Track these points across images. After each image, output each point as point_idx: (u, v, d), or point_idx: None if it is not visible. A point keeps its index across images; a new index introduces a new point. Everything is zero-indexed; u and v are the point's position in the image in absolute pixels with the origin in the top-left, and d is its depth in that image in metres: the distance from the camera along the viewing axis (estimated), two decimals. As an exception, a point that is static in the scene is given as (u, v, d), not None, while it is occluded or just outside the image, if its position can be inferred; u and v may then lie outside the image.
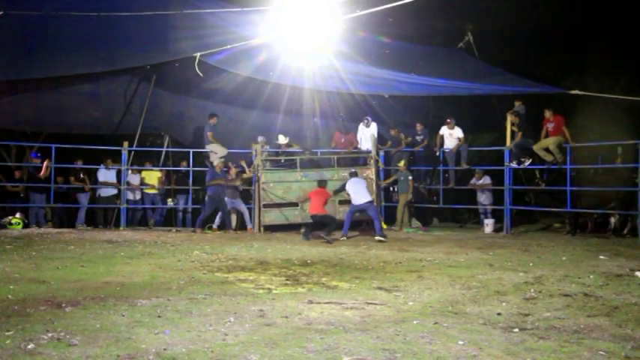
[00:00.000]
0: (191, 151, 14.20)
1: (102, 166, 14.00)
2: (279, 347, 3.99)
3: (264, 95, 13.74)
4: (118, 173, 13.94)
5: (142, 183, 14.13)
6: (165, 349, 3.89)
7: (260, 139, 13.81)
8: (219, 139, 14.07)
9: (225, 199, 13.29)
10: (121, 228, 13.34)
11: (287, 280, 6.85)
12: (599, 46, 15.76)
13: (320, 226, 11.72)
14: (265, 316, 4.89)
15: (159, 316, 4.86)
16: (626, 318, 4.96)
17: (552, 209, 13.26)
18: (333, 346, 4.02)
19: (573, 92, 12.40)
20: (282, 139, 14.33)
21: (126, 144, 13.82)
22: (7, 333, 4.26)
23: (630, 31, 15.45)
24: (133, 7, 11.46)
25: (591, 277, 6.98)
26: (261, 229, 13.06)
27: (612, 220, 12.11)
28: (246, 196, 13.77)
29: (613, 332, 4.51)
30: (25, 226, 13.02)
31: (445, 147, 14.10)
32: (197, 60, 11.68)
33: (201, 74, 11.84)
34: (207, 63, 11.99)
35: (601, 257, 8.67)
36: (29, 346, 3.93)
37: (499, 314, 5.09)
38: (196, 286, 6.30)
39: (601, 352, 3.98)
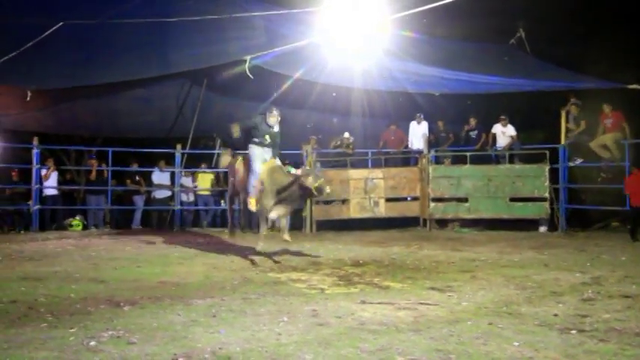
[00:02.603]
0: (241, 153, 14.32)
1: (156, 168, 14.28)
2: (333, 347, 4.01)
3: (312, 95, 13.79)
4: (172, 175, 14.20)
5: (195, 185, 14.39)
6: (220, 348, 3.96)
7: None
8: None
9: None
10: (175, 229, 13.59)
11: (339, 280, 6.88)
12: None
13: None
14: (318, 316, 4.92)
15: (214, 316, 4.94)
16: (690, 319, 4.82)
17: (610, 208, 12.92)
18: (387, 346, 4.02)
19: (632, 87, 12.05)
20: (347, 135, 14.48)
21: (179, 146, 14.09)
22: (71, 330, 4.40)
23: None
24: (183, 13, 11.66)
25: (653, 277, 6.81)
26: (313, 229, 13.12)
27: None
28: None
29: (678, 335, 4.39)
30: (85, 227, 13.43)
31: (497, 145, 13.94)
32: (247, 62, 11.81)
33: (251, 76, 11.97)
34: (257, 65, 12.10)
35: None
36: (91, 344, 4.05)
37: (555, 315, 5.00)
38: (250, 286, 6.38)
39: (664, 355, 3.88)
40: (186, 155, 14.32)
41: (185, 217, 14.39)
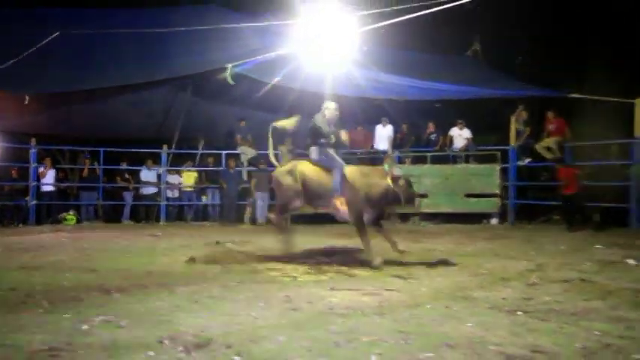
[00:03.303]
0: (223, 152, 14.31)
1: (144, 167, 14.20)
2: (305, 329, 4.03)
3: (288, 101, 13.79)
4: (159, 173, 14.16)
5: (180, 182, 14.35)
6: (202, 331, 3.95)
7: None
8: (248, 141, 14.24)
9: (258, 193, 13.48)
10: (161, 223, 13.49)
11: (311, 268, 6.88)
12: (599, 52, 15.70)
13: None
14: (291, 302, 4.93)
15: (196, 302, 4.92)
16: (619, 301, 4.93)
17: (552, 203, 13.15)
18: (354, 328, 4.05)
19: (572, 95, 12.33)
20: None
21: (165, 147, 14.02)
22: (65, 315, 4.36)
23: (626, 39, 15.44)
24: (170, 25, 11.59)
25: (588, 264, 6.93)
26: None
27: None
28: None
29: (607, 314, 4.49)
30: (78, 221, 13.29)
31: (454, 146, 14.09)
32: (229, 70, 11.78)
33: (232, 83, 11.94)
34: (237, 72, 12.08)
35: (597, 246, 8.59)
36: (84, 327, 4.02)
37: (504, 299, 5.07)
38: (229, 275, 6.36)
39: (596, 332, 3.97)
40: (171, 155, 14.25)
41: (170, 211, 14.32)
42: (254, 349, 3.59)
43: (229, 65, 11.77)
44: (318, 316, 4.45)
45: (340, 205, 7.06)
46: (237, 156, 14.28)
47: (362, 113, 14.97)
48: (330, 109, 7.50)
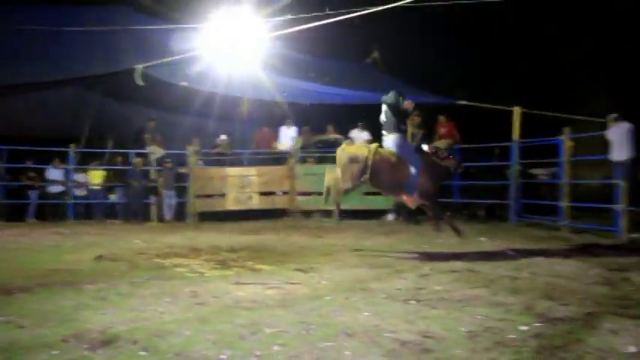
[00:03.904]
0: (132, 152, 13.87)
1: (50, 165, 13.53)
2: (211, 323, 3.99)
3: (197, 102, 13.57)
4: (66, 172, 13.52)
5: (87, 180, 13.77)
6: (108, 328, 3.83)
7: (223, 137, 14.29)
8: (157, 140, 13.90)
9: (165, 191, 13.17)
10: (68, 221, 12.88)
11: (217, 264, 6.81)
12: (488, 63, 16.55)
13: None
14: (198, 297, 4.87)
15: (103, 299, 4.75)
16: (500, 288, 5.22)
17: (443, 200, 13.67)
18: (258, 320, 4.05)
19: (460, 102, 12.90)
20: (224, 137, 14.34)
21: (73, 146, 13.42)
22: (-40, 318, 4.08)
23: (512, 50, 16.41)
24: (81, 23, 11.10)
25: (474, 255, 7.27)
26: (195, 219, 12.91)
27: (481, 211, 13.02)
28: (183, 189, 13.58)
29: (489, 300, 4.75)
30: (-22, 221, 12.45)
31: (354, 148, 14.36)
32: (138, 71, 11.44)
33: (142, 84, 11.60)
34: (147, 74, 11.74)
35: (481, 239, 9.04)
36: (-19, 330, 3.78)
37: (399, 289, 5.24)
38: (136, 272, 6.18)
39: (479, 317, 4.18)
40: (79, 154, 13.66)
41: (78, 210, 13.69)
42: (160, 344, 3.51)
43: (139, 66, 11.43)
44: (223, 310, 4.42)
45: (410, 202, 7.61)
46: (144, 154, 13.88)
47: (269, 115, 15.00)
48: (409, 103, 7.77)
